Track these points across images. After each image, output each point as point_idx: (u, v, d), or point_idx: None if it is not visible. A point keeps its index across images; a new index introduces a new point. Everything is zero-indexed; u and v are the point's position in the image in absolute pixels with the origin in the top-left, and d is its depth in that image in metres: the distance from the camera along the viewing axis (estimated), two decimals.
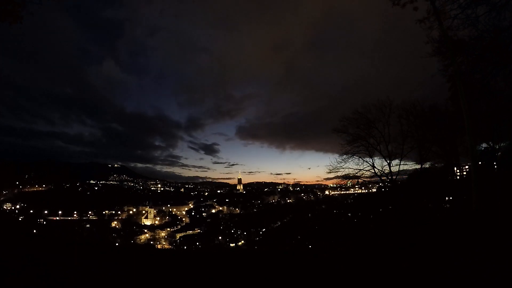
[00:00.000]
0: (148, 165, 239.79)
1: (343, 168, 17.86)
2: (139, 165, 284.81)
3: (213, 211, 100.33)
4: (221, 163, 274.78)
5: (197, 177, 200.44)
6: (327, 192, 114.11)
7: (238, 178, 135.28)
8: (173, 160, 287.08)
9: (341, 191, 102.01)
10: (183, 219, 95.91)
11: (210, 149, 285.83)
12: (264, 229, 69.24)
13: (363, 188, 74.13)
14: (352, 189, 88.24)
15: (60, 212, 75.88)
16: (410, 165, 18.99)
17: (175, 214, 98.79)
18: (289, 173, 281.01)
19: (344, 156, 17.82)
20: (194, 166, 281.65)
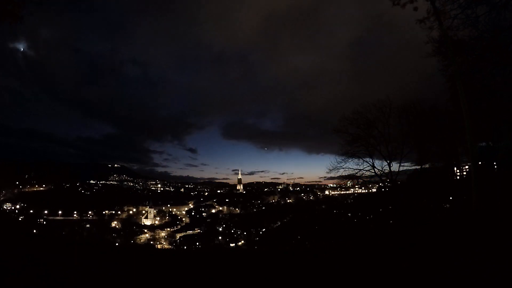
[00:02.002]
0: (142, 165, 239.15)
1: (343, 168, 17.94)
2: (135, 166, 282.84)
3: (213, 211, 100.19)
4: (208, 164, 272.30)
5: (193, 177, 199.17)
6: (327, 192, 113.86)
7: (238, 178, 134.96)
8: (166, 164, 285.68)
9: (341, 191, 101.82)
10: (183, 219, 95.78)
11: (198, 151, 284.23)
12: (264, 229, 69.14)
13: (363, 188, 74.00)
14: (352, 189, 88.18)
15: (60, 212, 75.75)
16: (410, 165, 19.03)
17: (175, 214, 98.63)
18: (284, 173, 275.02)
19: (344, 156, 17.89)
20: (190, 165, 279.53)
